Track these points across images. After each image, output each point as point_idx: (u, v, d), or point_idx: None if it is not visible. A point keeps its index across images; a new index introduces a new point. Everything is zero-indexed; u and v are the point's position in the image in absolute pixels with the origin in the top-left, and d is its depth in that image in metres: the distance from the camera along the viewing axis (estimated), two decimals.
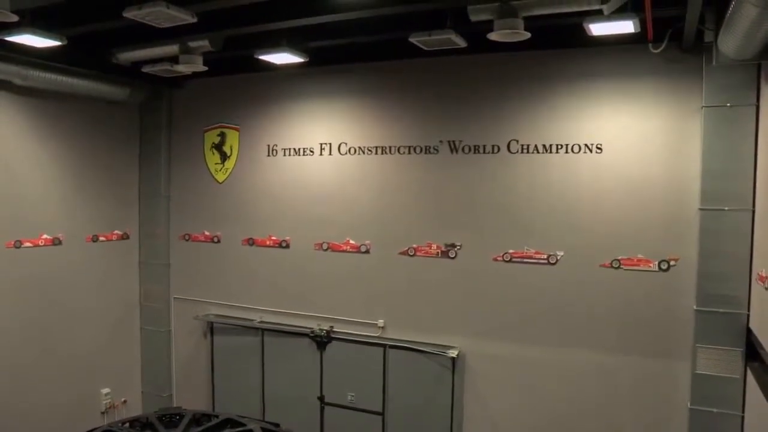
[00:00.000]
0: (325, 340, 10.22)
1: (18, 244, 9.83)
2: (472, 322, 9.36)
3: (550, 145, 8.69)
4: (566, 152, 8.61)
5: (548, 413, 8.98)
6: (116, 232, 11.48)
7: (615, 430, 8.60)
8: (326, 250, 10.34)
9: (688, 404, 7.84)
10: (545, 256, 8.80)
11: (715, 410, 7.64)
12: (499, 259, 9.08)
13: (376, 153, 9.87)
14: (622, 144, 8.35)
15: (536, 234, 8.87)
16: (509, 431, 9.27)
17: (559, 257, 8.73)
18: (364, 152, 9.99)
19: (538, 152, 8.77)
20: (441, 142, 9.40)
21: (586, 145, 8.50)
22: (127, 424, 6.80)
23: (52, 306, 10.42)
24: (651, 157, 8.21)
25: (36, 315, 10.19)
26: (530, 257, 8.89)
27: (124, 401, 11.73)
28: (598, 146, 8.45)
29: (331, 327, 10.21)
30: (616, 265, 8.42)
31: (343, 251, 10.21)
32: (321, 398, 9.83)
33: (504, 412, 9.29)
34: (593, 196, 8.52)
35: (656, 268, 8.23)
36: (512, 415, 9.23)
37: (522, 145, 8.88)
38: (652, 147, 8.21)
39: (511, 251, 9.00)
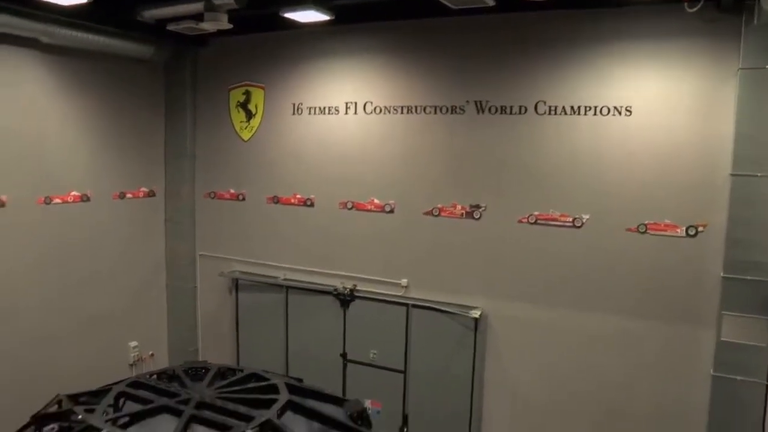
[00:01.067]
0: (349, 298, 10.30)
1: (48, 201, 9.96)
2: (495, 283, 9.37)
3: (579, 107, 8.55)
4: (594, 114, 8.47)
5: (569, 377, 9.03)
6: (143, 189, 11.58)
7: (636, 396, 8.64)
8: (351, 209, 10.35)
9: (711, 371, 7.84)
10: (570, 219, 8.75)
11: (738, 378, 7.65)
12: (524, 221, 9.04)
13: (402, 113, 9.79)
14: (652, 107, 8.20)
15: (562, 197, 8.80)
16: (529, 393, 9.35)
17: (584, 220, 8.67)
18: (389, 112, 9.91)
19: (565, 114, 8.65)
20: (467, 102, 9.29)
21: (615, 107, 8.35)
22: (155, 376, 6.89)
23: (81, 261, 10.61)
24: (682, 121, 8.06)
25: (66, 270, 10.38)
26: (555, 220, 8.84)
27: (152, 354, 11.99)
28: (628, 109, 8.29)
29: (355, 285, 10.27)
30: (643, 230, 8.34)
31: (368, 210, 10.22)
32: (344, 355, 9.95)
33: (525, 374, 9.35)
34: (621, 159, 8.40)
35: (683, 234, 8.15)
36: (533, 377, 9.30)
37: (550, 107, 8.75)
38: (684, 110, 8.04)
39: (536, 213, 8.95)
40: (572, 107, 8.60)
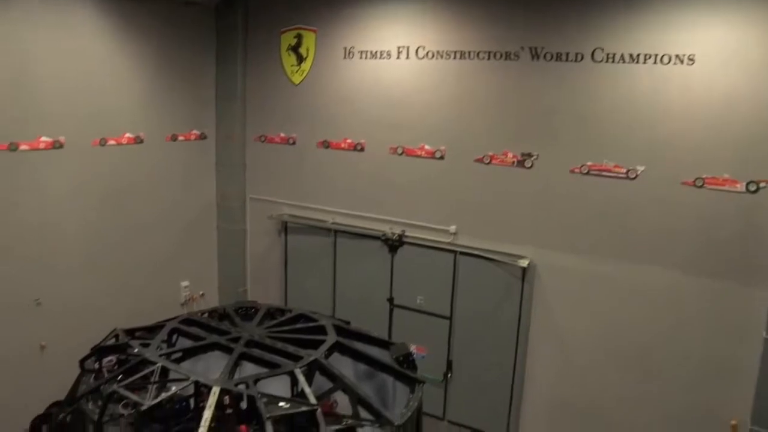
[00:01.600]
0: (397, 243, 10.31)
1: (103, 142, 10.15)
2: (544, 233, 9.26)
3: (638, 55, 8.25)
4: (654, 63, 8.14)
5: (615, 330, 8.94)
6: (194, 132, 11.70)
7: (683, 353, 8.51)
8: (401, 154, 10.31)
9: (764, 334, 7.61)
10: (624, 171, 8.54)
11: None
12: (576, 171, 8.87)
13: (455, 58, 9.61)
14: (716, 56, 7.83)
15: (616, 147, 8.57)
16: (575, 344, 9.31)
17: (638, 172, 8.46)
18: (442, 57, 9.74)
19: (624, 62, 8.35)
20: (522, 48, 9.06)
21: (677, 55, 8.00)
22: (206, 314, 7.10)
23: (135, 202, 10.84)
24: (747, 72, 7.68)
25: (121, 210, 10.63)
26: (609, 171, 8.65)
27: (202, 294, 12.29)
28: (690, 57, 7.94)
29: (403, 231, 10.29)
30: (700, 184, 8.09)
31: (418, 156, 10.15)
32: (390, 300, 10.01)
33: (571, 325, 9.30)
34: (681, 110, 8.09)
35: (743, 190, 7.86)
36: (579, 328, 9.24)
37: (607, 54, 8.47)
38: (749, 61, 7.65)
39: (589, 164, 8.76)
40: (631, 55, 8.29)
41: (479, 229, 9.79)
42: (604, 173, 8.69)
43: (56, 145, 9.46)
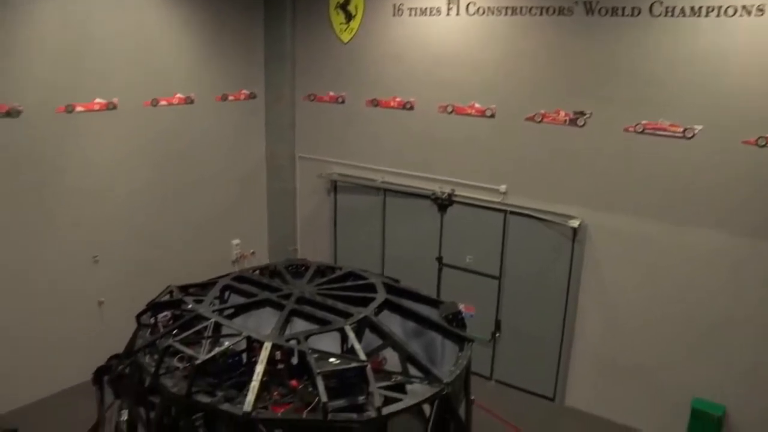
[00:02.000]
0: (446, 203, 10.23)
1: (155, 103, 10.29)
2: (597, 193, 9.09)
3: (700, 8, 7.87)
4: (718, 15, 7.77)
5: (668, 294, 8.78)
6: (244, 91, 11.75)
7: (737, 320, 8.32)
8: (450, 113, 10.19)
9: None
10: (681, 130, 8.28)
11: None
12: (630, 129, 8.63)
13: (506, 14, 9.39)
14: None
15: (673, 105, 8.28)
16: (626, 307, 9.19)
17: (696, 131, 8.18)
18: (492, 12, 9.52)
19: (684, 15, 8.02)
20: (576, 2, 8.77)
21: (743, 6, 7.58)
22: (258, 272, 7.20)
23: (187, 161, 11.02)
24: None
25: (173, 169, 10.83)
26: (665, 130, 8.38)
27: (253, 252, 12.48)
28: (760, 8, 7.49)
29: (453, 190, 10.18)
30: (762, 143, 7.75)
31: (468, 115, 10.03)
32: (439, 259, 9.98)
33: (622, 287, 9.17)
34: (745, 64, 7.73)
35: None
36: (630, 291, 9.10)
37: (666, 7, 8.13)
38: None
39: (644, 122, 8.52)
40: (692, 8, 7.92)
41: (530, 189, 9.67)
42: (660, 132, 8.44)
43: (110, 107, 9.64)
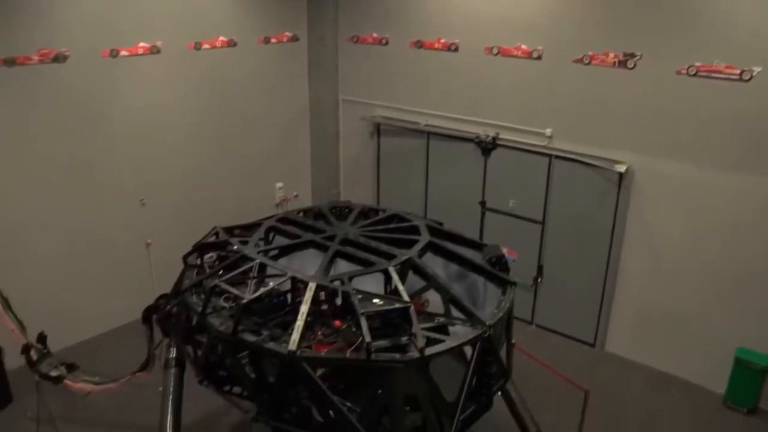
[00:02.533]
0: (490, 146, 10.16)
1: (198, 46, 10.28)
2: (645, 138, 8.86)
3: None
4: None
5: (715, 242, 8.62)
6: (286, 34, 11.65)
7: None
8: (496, 54, 9.98)
9: None
10: (738, 72, 7.92)
11: None
12: (682, 72, 8.32)
13: None
14: None
15: (729, 46, 7.93)
16: (671, 252, 9.06)
17: (754, 73, 7.81)
18: None
19: None
20: None
21: None
22: (301, 213, 7.23)
23: (230, 105, 11.05)
24: None
25: (217, 113, 10.89)
26: (719, 72, 8.05)
27: (296, 195, 12.57)
28: None
29: (497, 133, 10.09)
30: None
31: (514, 56, 9.80)
32: (482, 203, 9.95)
33: (668, 233, 9.02)
34: None
35: None
36: (675, 238, 8.96)
37: None
38: None
39: (697, 64, 8.19)
40: None
41: (576, 133, 9.48)
42: (714, 75, 8.11)
43: (154, 51, 9.67)
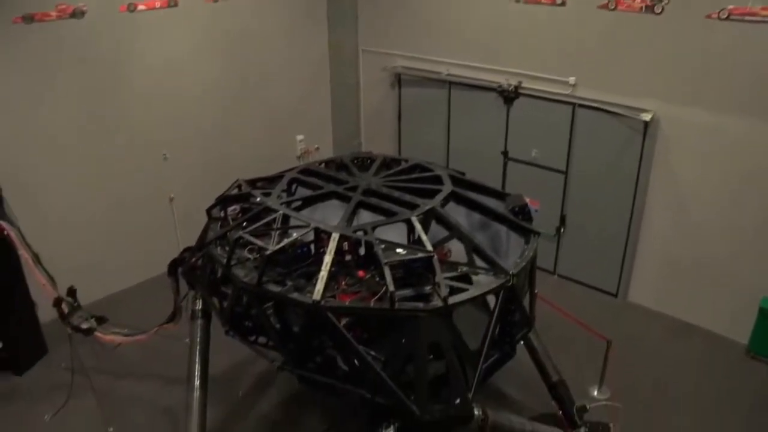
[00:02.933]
0: (513, 95, 9.99)
1: None
2: (672, 86, 8.65)
3: None
4: None
5: (740, 191, 8.48)
6: None
7: None
8: (519, 1, 9.76)
9: None
10: None
11: None
12: (714, 16, 8.05)
13: None
14: None
15: None
16: (697, 205, 8.95)
17: None
18: None
19: None
20: None
21: None
22: (323, 165, 7.22)
23: (249, 56, 10.98)
24: None
25: (236, 66, 10.82)
26: (755, 15, 7.72)
27: (317, 148, 12.54)
28: None
29: (520, 82, 9.93)
30: None
31: (537, 3, 9.57)
32: (504, 153, 9.83)
33: (692, 184, 8.90)
34: None
35: None
36: (703, 189, 8.82)
37: None
38: None
39: (729, 7, 7.88)
40: None
41: (600, 81, 9.30)
42: (748, 18, 7.80)
43: (171, 4, 9.58)
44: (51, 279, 7.22)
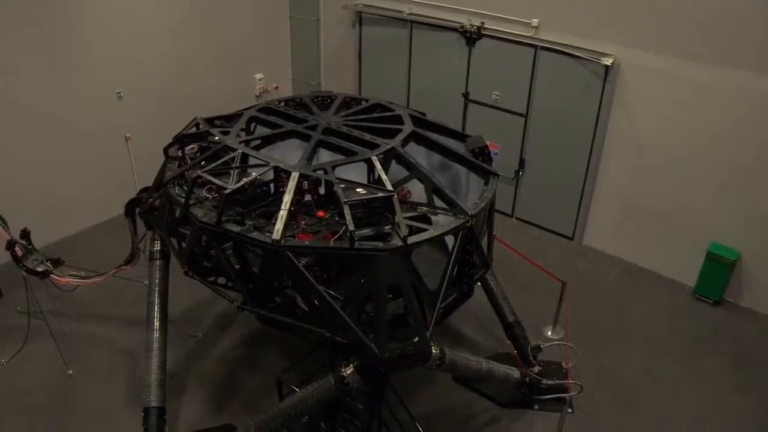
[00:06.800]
0: (475, 36, 9.92)
1: None
2: (635, 30, 8.64)
3: None
4: None
5: (696, 139, 8.61)
6: None
7: (761, 172, 8.19)
8: None
9: None
10: None
11: None
12: None
13: None
14: None
15: None
16: (654, 148, 9.07)
17: None
18: None
19: None
20: None
21: None
22: (283, 103, 7.09)
23: None
24: None
25: (193, 4, 10.53)
26: None
27: (276, 87, 12.37)
28: None
29: (482, 23, 9.83)
30: None
31: None
32: (465, 95, 9.81)
33: (651, 129, 9.00)
34: None
35: None
36: (660, 133, 8.93)
37: None
38: None
39: None
40: None
41: (563, 23, 9.25)
42: None
43: None
44: (3, 221, 7.03)
